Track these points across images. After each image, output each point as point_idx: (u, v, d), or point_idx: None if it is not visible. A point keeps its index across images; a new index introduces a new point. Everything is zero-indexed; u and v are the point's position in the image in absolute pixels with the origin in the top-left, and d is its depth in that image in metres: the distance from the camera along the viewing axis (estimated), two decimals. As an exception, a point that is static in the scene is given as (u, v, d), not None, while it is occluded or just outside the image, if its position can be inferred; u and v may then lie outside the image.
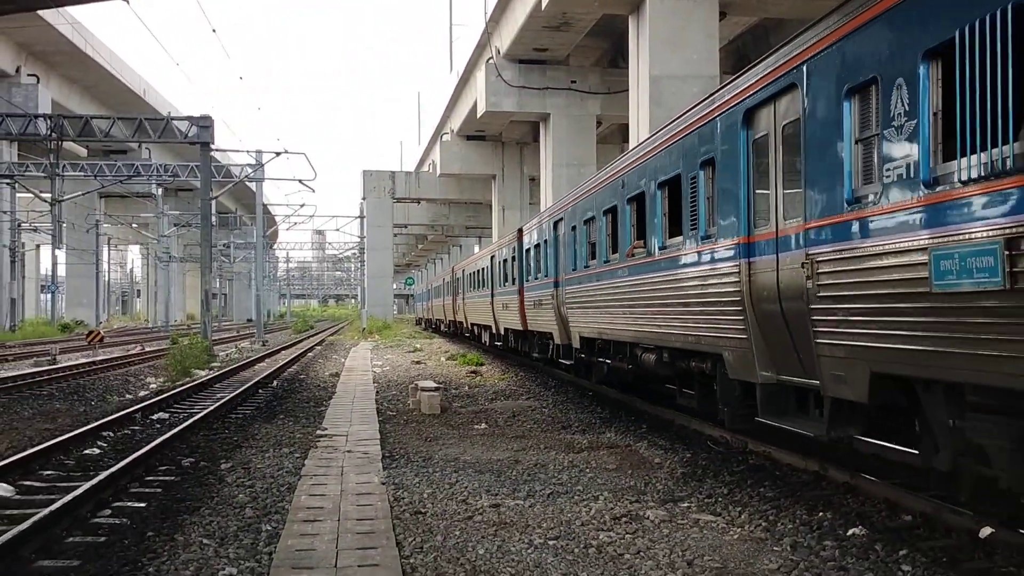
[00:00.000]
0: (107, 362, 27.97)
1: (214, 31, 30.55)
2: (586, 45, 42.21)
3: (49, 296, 77.19)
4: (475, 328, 35.84)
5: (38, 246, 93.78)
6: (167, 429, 13.53)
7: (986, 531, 6.82)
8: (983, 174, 5.63)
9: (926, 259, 6.11)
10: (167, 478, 9.96)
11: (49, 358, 28.33)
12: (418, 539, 7.27)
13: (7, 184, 46.02)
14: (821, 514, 7.95)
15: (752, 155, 9.03)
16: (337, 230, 79.35)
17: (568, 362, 18.26)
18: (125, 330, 66.73)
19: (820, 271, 7.51)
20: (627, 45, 32.48)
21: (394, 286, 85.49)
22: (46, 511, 7.48)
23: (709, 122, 10.00)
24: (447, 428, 14.07)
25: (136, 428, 14.17)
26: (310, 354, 35.75)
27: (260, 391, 19.94)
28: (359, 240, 70.76)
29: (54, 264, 70.35)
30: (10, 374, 23.14)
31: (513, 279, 24.37)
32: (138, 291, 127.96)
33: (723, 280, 9.57)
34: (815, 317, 7.63)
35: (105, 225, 72.19)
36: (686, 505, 8.52)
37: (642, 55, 30.57)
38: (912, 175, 6.34)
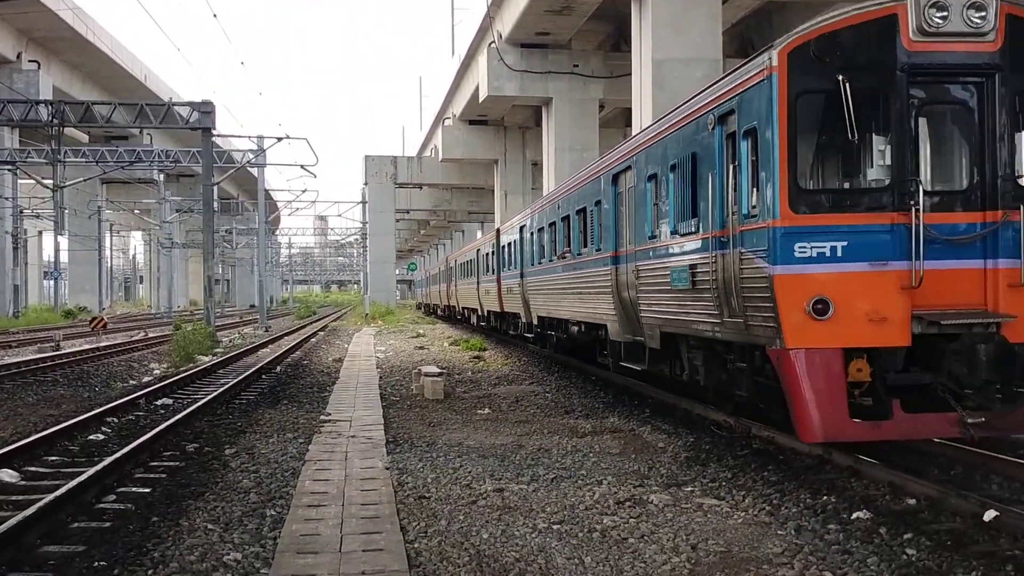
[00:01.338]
0: (111, 348, 27.99)
1: (215, 16, 30.41)
2: (588, 29, 42.02)
3: (52, 282, 77.16)
4: (465, 311, 40.42)
5: (40, 232, 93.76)
6: (171, 415, 13.53)
7: (991, 514, 6.82)
8: (684, 232, 10.61)
9: (670, 269, 11.12)
10: (172, 464, 9.97)
11: (53, 344, 28.35)
12: (422, 524, 7.28)
13: (9, 171, 45.94)
14: (825, 498, 7.95)
15: (616, 202, 14.02)
16: (339, 216, 79.33)
17: (531, 335, 23.40)
18: (128, 316, 66.81)
19: (640, 275, 12.51)
20: (630, 29, 32.34)
21: (397, 272, 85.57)
22: (51, 497, 7.49)
23: (597, 177, 15.17)
24: (451, 413, 14.08)
25: (140, 414, 14.19)
26: (313, 340, 35.76)
27: (264, 377, 19.94)
28: (361, 226, 70.67)
29: (57, 250, 70.35)
30: (14, 360, 23.17)
31: (493, 270, 28.59)
32: (141, 277, 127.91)
33: (604, 278, 14.40)
34: (639, 302, 12.62)
35: (107, 211, 72.12)
36: (690, 489, 8.53)
37: (645, 39, 30.40)
38: (675, 226, 10.98)
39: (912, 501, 7.66)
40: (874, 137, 8.46)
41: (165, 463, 10.01)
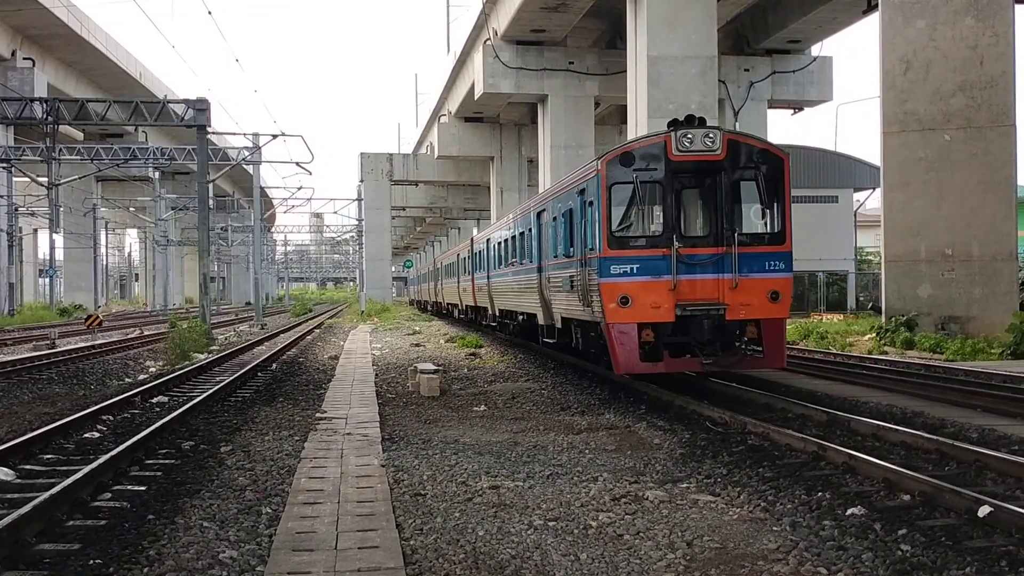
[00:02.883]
0: (106, 346, 27.97)
1: (210, 13, 30.22)
2: (584, 26, 41.98)
3: (47, 280, 77.02)
4: (449, 306, 44.92)
5: (35, 230, 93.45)
6: (167, 412, 13.52)
7: (985, 510, 6.83)
8: (567, 255, 16.00)
9: (563, 278, 16.22)
10: (167, 461, 9.96)
11: (48, 342, 28.32)
12: (418, 521, 7.29)
13: (3, 168, 45.81)
14: (820, 494, 7.97)
15: (540, 228, 19.06)
16: (335, 213, 78.98)
17: (495, 324, 28.71)
18: (124, 314, 66.67)
19: (550, 280, 17.87)
20: (625, 26, 32.32)
21: (393, 269, 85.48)
22: (47, 495, 7.47)
23: (530, 211, 20.50)
24: (446, 410, 14.09)
25: (136, 411, 14.16)
26: (309, 337, 35.74)
27: (259, 374, 19.93)
28: (357, 223, 70.60)
29: (52, 248, 70.22)
30: (9, 358, 23.13)
31: (469, 272, 33.26)
32: (136, 275, 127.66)
33: (534, 282, 19.45)
34: (550, 298, 18.02)
35: (102, 209, 71.95)
36: (685, 486, 8.54)
37: (640, 36, 30.39)
38: (564, 251, 16.35)
39: (906, 497, 7.69)
40: (653, 207, 13.90)
41: (161, 461, 10.00)
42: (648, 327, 13.42)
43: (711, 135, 13.63)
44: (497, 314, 27.33)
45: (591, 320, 14.77)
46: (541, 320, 19.26)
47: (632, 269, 13.49)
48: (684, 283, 13.39)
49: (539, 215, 19.09)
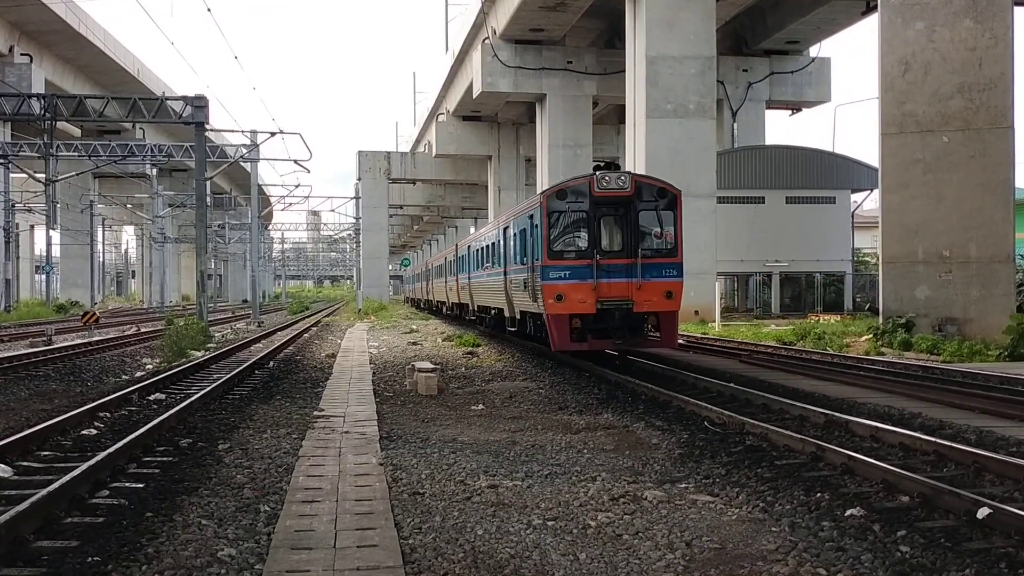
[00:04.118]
0: (103, 343, 27.91)
1: (209, 10, 30.19)
2: (582, 25, 42.00)
3: (44, 277, 76.92)
4: (438, 303, 48.80)
5: (32, 227, 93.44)
6: (164, 410, 13.46)
7: (984, 511, 6.83)
8: (523, 263, 19.79)
9: (520, 280, 20.10)
10: (165, 459, 9.93)
11: (45, 339, 28.27)
12: (417, 520, 7.28)
13: (1, 164, 45.74)
14: (819, 495, 7.96)
15: (505, 240, 22.25)
16: (332, 211, 79.13)
17: (473, 318, 33.20)
18: (121, 311, 66.57)
19: (511, 282, 21.55)
20: (623, 25, 32.32)
21: (390, 267, 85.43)
22: (44, 492, 7.44)
23: (499, 226, 23.82)
24: (444, 409, 14.07)
25: (133, 409, 14.13)
26: (306, 335, 35.72)
27: (257, 372, 19.90)
28: (355, 221, 70.54)
29: (49, 245, 70.07)
30: (6, 355, 23.06)
31: (454, 273, 37.34)
32: (133, 272, 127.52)
33: (501, 282, 23.07)
34: (512, 296, 21.70)
35: (99, 205, 71.86)
36: (684, 486, 8.53)
37: (639, 36, 30.39)
38: (522, 259, 19.82)
39: (905, 498, 7.68)
40: (581, 229, 17.75)
41: (158, 458, 9.97)
42: (576, 317, 17.47)
43: (623, 177, 17.70)
44: (476, 309, 31.52)
45: (537, 312, 18.77)
46: (507, 313, 23.00)
47: (565, 274, 17.50)
48: (603, 285, 17.31)
49: (505, 230, 22.74)
